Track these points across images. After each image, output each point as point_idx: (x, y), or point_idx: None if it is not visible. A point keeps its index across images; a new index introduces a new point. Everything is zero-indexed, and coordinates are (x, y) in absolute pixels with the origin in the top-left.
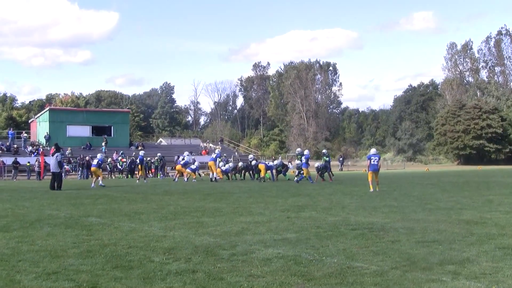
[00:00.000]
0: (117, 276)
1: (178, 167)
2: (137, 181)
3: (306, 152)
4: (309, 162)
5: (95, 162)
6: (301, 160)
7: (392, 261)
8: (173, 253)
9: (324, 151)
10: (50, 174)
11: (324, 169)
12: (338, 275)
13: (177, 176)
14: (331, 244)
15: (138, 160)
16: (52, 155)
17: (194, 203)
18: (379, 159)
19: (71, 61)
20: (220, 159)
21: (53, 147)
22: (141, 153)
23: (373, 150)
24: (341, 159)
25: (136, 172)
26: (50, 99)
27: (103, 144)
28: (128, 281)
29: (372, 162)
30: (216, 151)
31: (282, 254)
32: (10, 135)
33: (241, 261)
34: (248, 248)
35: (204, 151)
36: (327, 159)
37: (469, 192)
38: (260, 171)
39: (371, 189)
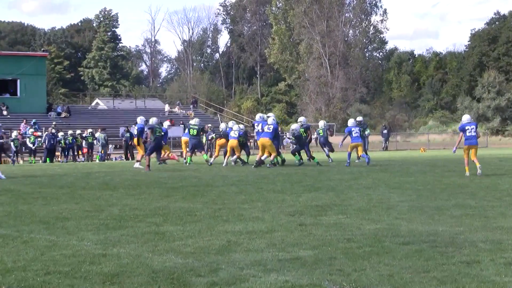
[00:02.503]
0: None
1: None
2: (137, 163)
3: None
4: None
5: None
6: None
7: None
8: (117, 282)
9: (359, 118)
10: None
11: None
12: None
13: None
14: (369, 267)
15: (135, 131)
16: None
17: (152, 203)
18: (476, 127)
19: None
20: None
21: None
22: (140, 120)
23: (466, 117)
24: (385, 131)
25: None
26: None
27: (3, 108)
28: None
29: (467, 134)
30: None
31: (292, 283)
32: None
33: None
34: (237, 274)
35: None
36: (367, 132)
37: None
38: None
39: (467, 173)
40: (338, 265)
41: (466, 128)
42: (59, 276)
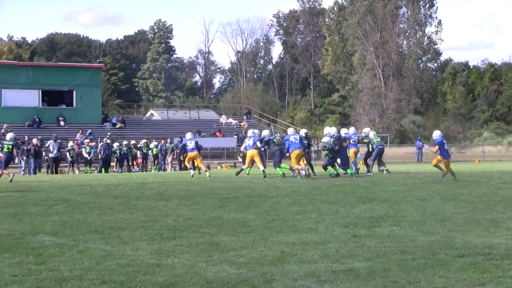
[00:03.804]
0: None
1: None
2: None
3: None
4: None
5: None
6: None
7: None
8: None
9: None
10: None
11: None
12: None
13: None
14: (423, 279)
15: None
16: None
17: (206, 213)
18: None
19: None
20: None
21: None
22: (188, 135)
23: None
24: (418, 143)
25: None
26: None
27: (60, 119)
28: None
29: None
30: (250, 132)
31: None
32: None
33: None
34: (291, 285)
35: (217, 132)
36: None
37: None
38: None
39: None
40: (392, 277)
41: None
42: (114, 286)
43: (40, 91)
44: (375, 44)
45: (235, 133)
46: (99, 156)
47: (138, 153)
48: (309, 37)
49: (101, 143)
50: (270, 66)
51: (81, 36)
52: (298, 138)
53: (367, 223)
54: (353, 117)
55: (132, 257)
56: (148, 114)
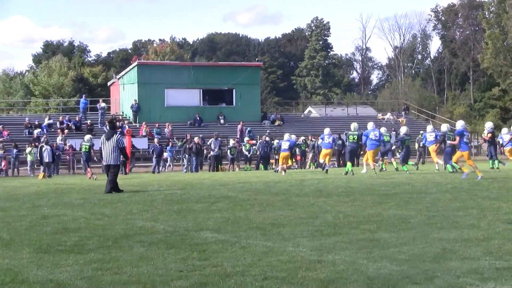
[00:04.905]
0: None
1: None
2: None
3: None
4: None
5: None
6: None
7: None
8: None
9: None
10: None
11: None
12: None
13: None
14: None
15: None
16: (107, 139)
17: (365, 209)
18: None
19: None
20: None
21: (106, 124)
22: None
23: None
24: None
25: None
26: (139, 49)
27: (220, 117)
28: None
29: None
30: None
31: None
32: (81, 106)
33: None
34: (454, 282)
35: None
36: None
37: None
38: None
39: None
40: None
41: None
42: (276, 282)
43: (201, 90)
44: None
45: (393, 129)
46: (258, 153)
47: (297, 150)
48: (468, 31)
49: (260, 140)
50: (428, 61)
51: (240, 35)
52: (377, 134)
53: None
54: None
55: (293, 253)
56: (306, 112)
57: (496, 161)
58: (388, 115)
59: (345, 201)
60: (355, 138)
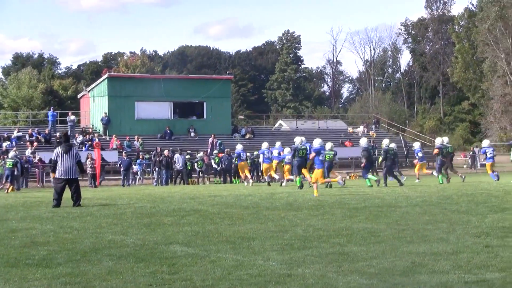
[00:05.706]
0: None
1: None
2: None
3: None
4: None
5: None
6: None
7: None
8: None
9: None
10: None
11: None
12: None
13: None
14: None
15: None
16: (65, 153)
17: (335, 223)
18: None
19: (141, 0)
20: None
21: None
22: (239, 147)
23: None
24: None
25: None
26: (109, 61)
27: (191, 130)
28: None
29: None
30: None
31: None
32: (50, 118)
33: None
34: None
35: (347, 141)
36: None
37: None
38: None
39: None
40: None
41: None
42: None
43: (172, 103)
44: (506, 50)
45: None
46: (220, 166)
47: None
48: (438, 45)
49: (223, 154)
50: (398, 75)
51: (211, 48)
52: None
53: (500, 233)
54: (483, 125)
55: (263, 267)
56: (277, 125)
57: (439, 176)
58: (361, 128)
59: (315, 214)
60: (304, 153)
